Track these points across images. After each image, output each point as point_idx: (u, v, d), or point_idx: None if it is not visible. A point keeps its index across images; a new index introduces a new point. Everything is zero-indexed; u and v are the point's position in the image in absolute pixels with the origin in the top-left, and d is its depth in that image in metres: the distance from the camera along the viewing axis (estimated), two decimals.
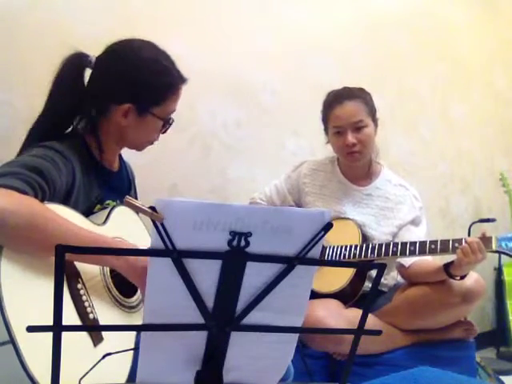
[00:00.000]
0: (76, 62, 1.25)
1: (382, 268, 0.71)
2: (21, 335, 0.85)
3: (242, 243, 0.66)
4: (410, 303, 1.68)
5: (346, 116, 1.76)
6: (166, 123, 1.33)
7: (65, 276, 0.94)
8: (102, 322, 1.03)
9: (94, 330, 1.01)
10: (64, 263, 0.60)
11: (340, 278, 1.72)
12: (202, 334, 0.71)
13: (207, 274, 0.67)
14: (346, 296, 1.71)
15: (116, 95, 1.25)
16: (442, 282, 1.62)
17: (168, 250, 0.64)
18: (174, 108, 1.32)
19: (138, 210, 0.63)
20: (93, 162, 1.26)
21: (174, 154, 2.00)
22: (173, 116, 1.34)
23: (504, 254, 1.56)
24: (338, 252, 1.75)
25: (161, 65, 1.26)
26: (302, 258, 0.69)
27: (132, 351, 1.01)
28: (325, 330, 1.60)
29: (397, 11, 2.93)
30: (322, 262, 1.40)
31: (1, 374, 0.88)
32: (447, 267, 1.58)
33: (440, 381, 1.31)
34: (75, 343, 0.93)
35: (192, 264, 0.66)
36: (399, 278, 1.86)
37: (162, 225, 0.63)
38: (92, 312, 1.01)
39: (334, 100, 1.80)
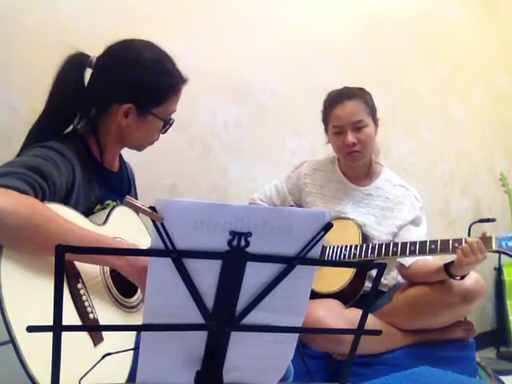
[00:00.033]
0: (77, 62, 1.25)
1: (381, 268, 0.71)
2: (21, 335, 0.85)
3: (242, 243, 0.66)
4: (410, 303, 1.68)
5: (346, 116, 1.76)
6: (167, 123, 1.33)
7: (65, 276, 0.95)
8: (102, 322, 1.03)
9: (94, 330, 1.01)
10: (64, 263, 0.60)
11: (340, 278, 1.72)
12: (201, 334, 0.71)
13: (207, 274, 0.67)
14: (345, 296, 1.71)
15: (117, 95, 1.25)
16: (442, 281, 1.62)
17: (168, 250, 0.64)
18: (174, 108, 1.33)
19: (138, 210, 0.63)
20: (93, 162, 1.26)
21: (173, 153, 2.00)
22: (173, 116, 1.34)
23: (504, 253, 1.56)
24: (338, 252, 1.75)
25: (162, 65, 1.27)
26: (301, 258, 0.69)
27: (132, 351, 1.01)
28: (325, 330, 1.60)
29: (397, 11, 2.93)
30: (322, 262, 1.40)
31: (1, 374, 0.88)
32: (447, 267, 1.58)
33: (440, 381, 1.31)
34: (75, 343, 0.93)
35: (192, 264, 0.66)
36: (399, 278, 1.86)
37: (162, 225, 0.63)
38: (92, 312, 1.01)
39: (335, 100, 1.80)
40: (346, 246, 1.74)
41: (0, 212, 0.90)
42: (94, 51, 1.27)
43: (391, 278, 1.87)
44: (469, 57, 3.34)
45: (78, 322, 0.98)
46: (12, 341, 0.84)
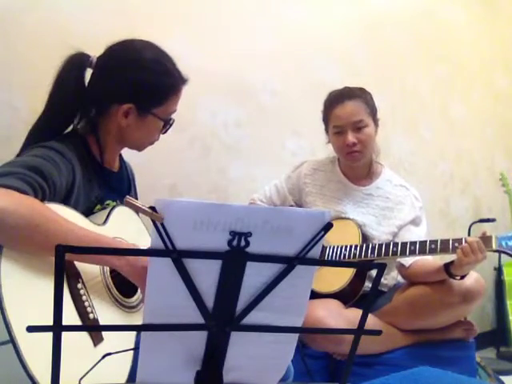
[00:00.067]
0: (77, 62, 1.25)
1: (381, 268, 0.71)
2: (21, 335, 0.85)
3: (242, 243, 0.66)
4: (410, 303, 1.68)
5: (347, 116, 1.76)
6: (167, 123, 1.33)
7: (65, 276, 0.95)
8: (102, 322, 1.03)
9: (93, 330, 1.01)
10: (64, 263, 0.60)
11: (340, 278, 1.72)
12: (201, 333, 0.71)
13: (207, 274, 0.67)
14: (346, 296, 1.71)
15: (117, 95, 1.25)
16: (442, 281, 1.62)
17: (168, 250, 0.64)
18: (174, 108, 1.33)
19: (138, 209, 0.63)
20: (93, 162, 1.26)
21: (173, 153, 2.00)
22: (173, 116, 1.34)
23: (504, 253, 1.56)
24: (338, 252, 1.75)
25: (162, 65, 1.27)
26: (301, 258, 0.69)
27: (132, 351, 1.01)
28: (325, 330, 1.60)
29: (397, 11, 2.93)
30: (322, 262, 1.40)
31: (1, 374, 0.88)
32: (447, 267, 1.58)
33: (440, 381, 1.31)
34: (75, 343, 0.93)
35: (192, 264, 0.66)
36: (399, 278, 1.86)
37: (162, 225, 0.63)
38: (92, 312, 1.01)
39: (335, 100, 1.80)
40: (346, 246, 1.74)
41: (0, 212, 0.90)
42: (94, 51, 1.27)
43: (391, 277, 1.87)
44: (469, 57, 3.34)
45: (78, 322, 0.98)
46: (12, 341, 0.84)
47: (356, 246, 1.72)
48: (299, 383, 1.43)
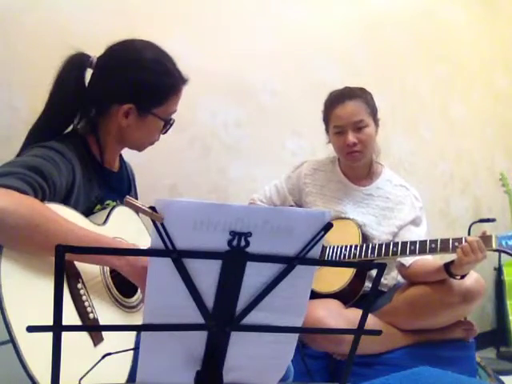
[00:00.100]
0: (77, 62, 1.25)
1: (381, 268, 0.71)
2: (21, 335, 0.85)
3: (242, 243, 0.66)
4: (410, 303, 1.68)
5: (347, 116, 1.76)
6: (167, 123, 1.33)
7: (65, 276, 0.95)
8: (102, 322, 1.03)
9: (93, 330, 1.01)
10: (64, 263, 0.60)
11: (340, 278, 1.72)
12: (201, 333, 0.71)
13: (207, 274, 0.67)
14: (345, 296, 1.71)
15: (117, 95, 1.25)
16: (442, 281, 1.62)
17: (168, 250, 0.64)
18: (174, 108, 1.33)
19: (138, 209, 0.63)
20: (93, 162, 1.26)
21: (173, 153, 2.00)
22: (173, 116, 1.34)
23: (504, 252, 1.56)
24: (338, 252, 1.75)
25: (163, 65, 1.27)
26: (301, 258, 0.69)
27: (132, 351, 1.01)
28: (325, 330, 1.60)
29: (397, 11, 2.93)
30: (322, 262, 1.40)
31: (1, 374, 0.88)
32: (447, 266, 1.58)
33: (440, 381, 1.31)
34: (75, 343, 0.93)
35: (192, 264, 0.66)
36: (399, 278, 1.86)
37: (162, 225, 0.63)
38: (92, 312, 1.01)
39: (335, 100, 1.80)
40: (346, 246, 1.74)
41: (0, 212, 0.90)
42: (94, 51, 1.27)
43: (391, 278, 1.87)
44: (469, 57, 3.34)
45: (78, 322, 0.98)
46: (12, 341, 0.84)
47: (356, 246, 1.72)
48: (299, 383, 1.43)
